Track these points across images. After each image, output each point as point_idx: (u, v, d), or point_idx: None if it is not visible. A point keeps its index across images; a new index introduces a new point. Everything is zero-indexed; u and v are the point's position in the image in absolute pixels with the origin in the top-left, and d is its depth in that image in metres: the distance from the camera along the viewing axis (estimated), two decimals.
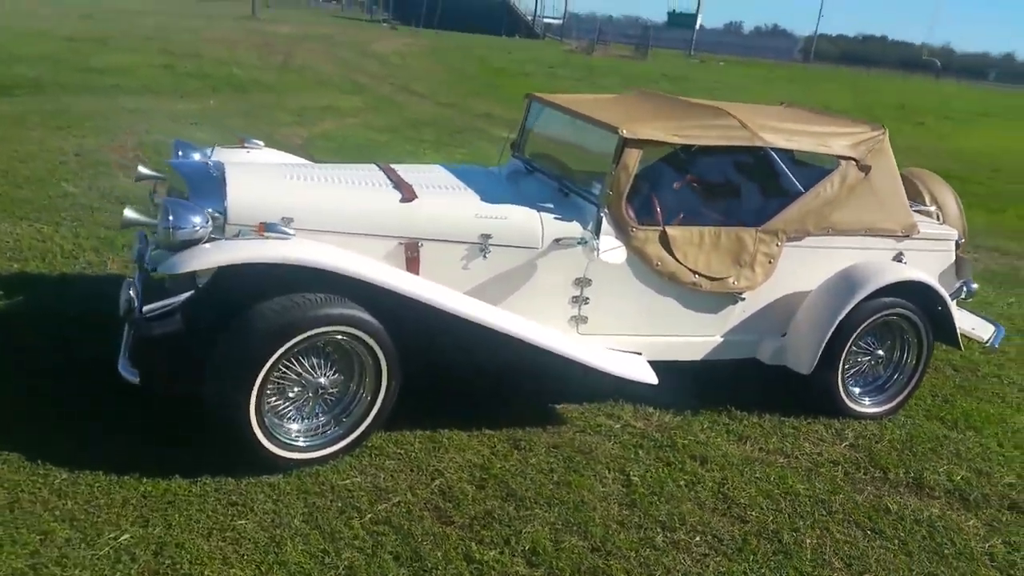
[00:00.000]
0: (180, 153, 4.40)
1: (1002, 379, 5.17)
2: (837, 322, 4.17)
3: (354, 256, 3.49)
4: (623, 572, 3.04)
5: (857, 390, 4.46)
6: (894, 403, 4.50)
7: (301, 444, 3.47)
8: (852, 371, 4.43)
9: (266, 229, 3.35)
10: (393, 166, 4.43)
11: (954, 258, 4.75)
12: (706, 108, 4.43)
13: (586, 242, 3.93)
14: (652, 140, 3.99)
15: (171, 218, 3.35)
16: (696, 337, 4.30)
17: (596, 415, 4.18)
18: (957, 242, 4.77)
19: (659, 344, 4.23)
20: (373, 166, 4.45)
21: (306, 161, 4.96)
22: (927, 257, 4.64)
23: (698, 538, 3.28)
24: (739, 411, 4.35)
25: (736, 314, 4.32)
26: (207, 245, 3.35)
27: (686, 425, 4.18)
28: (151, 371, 3.34)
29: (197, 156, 4.42)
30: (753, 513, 3.48)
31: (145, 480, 3.27)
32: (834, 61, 58.15)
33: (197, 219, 3.40)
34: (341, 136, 11.03)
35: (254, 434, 3.33)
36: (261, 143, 4.83)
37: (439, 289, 3.63)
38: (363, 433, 3.58)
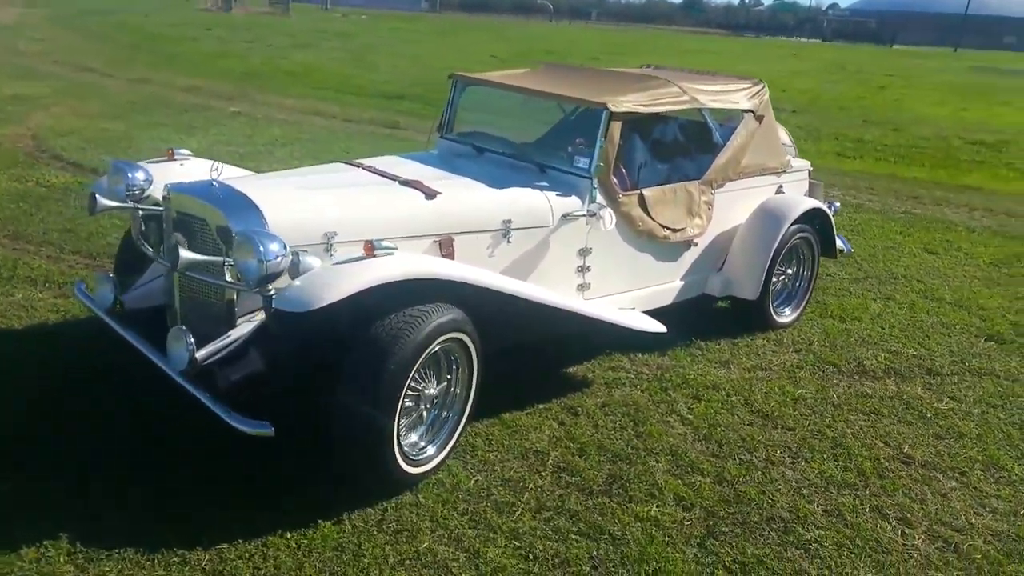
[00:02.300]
0: (131, 175, 3.85)
1: (834, 277, 6.40)
2: (773, 251, 4.94)
3: (452, 262, 3.49)
4: (756, 491, 3.52)
5: (775, 304, 5.31)
6: (800, 310, 5.43)
7: (430, 452, 3.44)
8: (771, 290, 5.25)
9: (373, 248, 3.20)
10: (363, 162, 4.30)
11: (808, 184, 5.76)
12: (643, 77, 4.88)
13: (594, 214, 4.21)
14: (630, 112, 4.35)
15: (262, 249, 3.05)
16: (667, 284, 4.81)
17: (604, 370, 4.55)
18: (809, 171, 5.78)
19: (644, 296, 4.67)
20: (343, 165, 4.29)
21: (245, 171, 4.54)
22: (795, 186, 5.58)
23: (778, 451, 3.85)
24: (701, 341, 4.97)
25: (689, 258, 4.90)
26: (323, 272, 3.12)
27: (677, 362, 4.70)
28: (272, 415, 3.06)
29: (141, 175, 3.91)
30: (790, 421, 4.13)
31: (288, 535, 3.05)
32: (457, 9, 60.93)
33: (276, 247, 3.12)
34: (73, 131, 9.64)
35: (395, 457, 3.23)
36: (189, 152, 4.36)
37: (514, 280, 3.74)
38: (462, 431, 3.61)
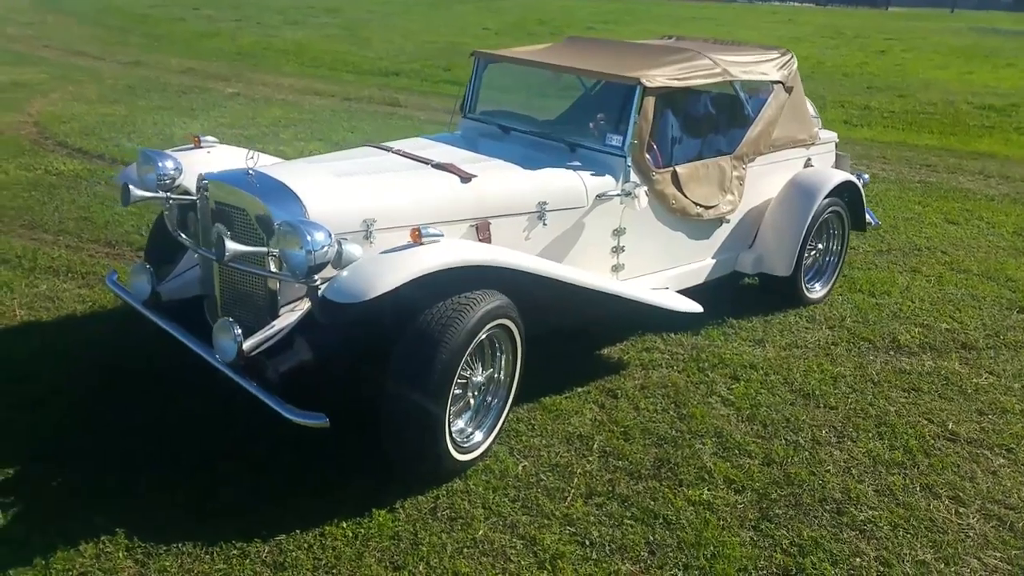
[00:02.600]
0: (161, 164, 3.77)
1: (858, 250, 6.34)
2: (806, 227, 4.88)
3: (501, 248, 3.47)
4: (806, 472, 3.49)
5: (805, 280, 5.25)
6: (830, 285, 5.38)
7: (478, 438, 3.43)
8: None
9: (421, 235, 3.14)
10: (392, 145, 4.23)
11: (835, 156, 5.69)
12: (672, 49, 4.78)
13: (629, 194, 4.14)
14: (664, 87, 4.26)
15: (309, 239, 2.99)
16: (699, 263, 4.76)
17: (639, 351, 4.50)
18: (835, 142, 5.70)
19: (677, 275, 4.62)
20: (373, 148, 4.22)
21: (275, 158, 4.46)
22: (823, 158, 5.52)
23: (823, 431, 3.82)
24: (733, 319, 4.92)
25: (721, 236, 4.84)
26: (373, 261, 3.07)
27: (711, 341, 4.66)
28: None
29: (171, 163, 3.82)
30: (831, 400, 4.10)
31: (344, 524, 3.04)
32: None
33: (322, 236, 3.06)
34: (75, 116, 9.50)
35: (447, 445, 3.20)
36: (215, 140, 4.28)
37: (558, 264, 3.72)
38: (506, 416, 3.57)
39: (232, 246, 3.09)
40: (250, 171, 3.41)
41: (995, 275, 5.92)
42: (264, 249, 3.20)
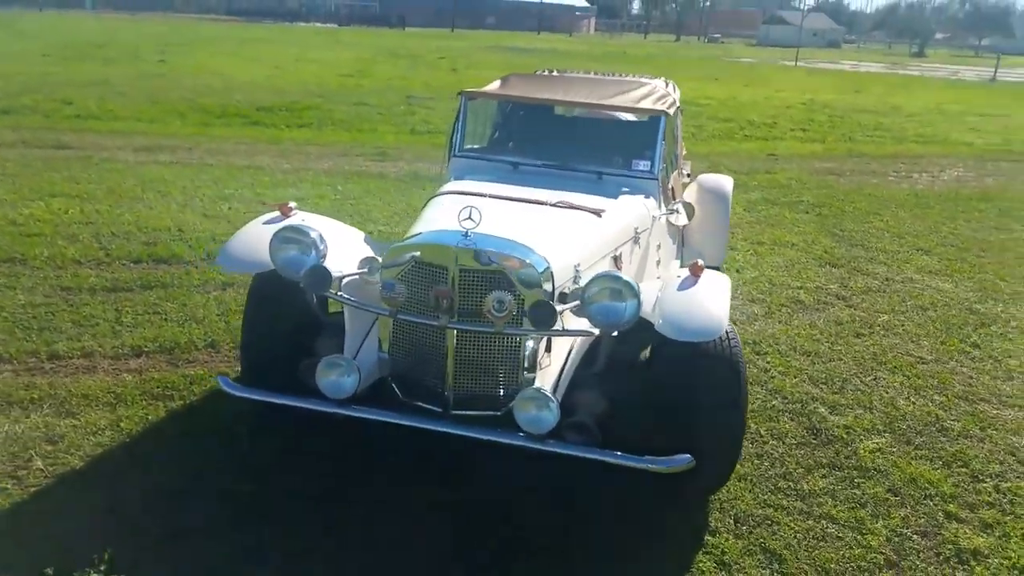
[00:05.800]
0: (315, 238, 3.31)
1: None
2: (728, 223, 5.83)
3: None
4: (892, 409, 4.41)
5: None
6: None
7: None
8: None
9: (702, 268, 3.35)
10: (472, 189, 4.17)
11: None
12: (638, 83, 5.31)
13: (675, 211, 4.65)
14: (672, 116, 4.83)
15: (636, 287, 3.03)
16: (677, 262, 5.41)
17: None
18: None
19: None
20: (462, 196, 4.09)
21: (341, 224, 3.98)
22: (686, 167, 6.53)
23: (861, 377, 4.79)
24: None
25: (678, 239, 5.56)
26: (689, 298, 3.19)
27: None
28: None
29: (316, 235, 3.39)
30: (830, 354, 5.10)
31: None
32: None
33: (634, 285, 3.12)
34: None
35: None
36: (296, 205, 3.76)
37: None
38: None
39: (560, 307, 2.96)
40: (468, 232, 3.23)
41: (781, 243, 7.56)
42: (577, 303, 3.10)
